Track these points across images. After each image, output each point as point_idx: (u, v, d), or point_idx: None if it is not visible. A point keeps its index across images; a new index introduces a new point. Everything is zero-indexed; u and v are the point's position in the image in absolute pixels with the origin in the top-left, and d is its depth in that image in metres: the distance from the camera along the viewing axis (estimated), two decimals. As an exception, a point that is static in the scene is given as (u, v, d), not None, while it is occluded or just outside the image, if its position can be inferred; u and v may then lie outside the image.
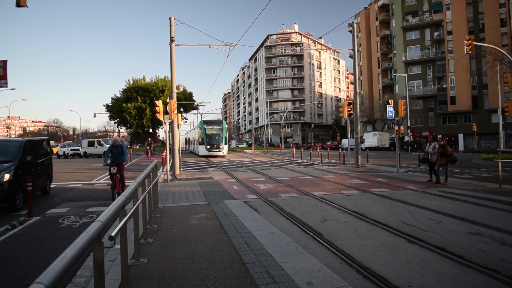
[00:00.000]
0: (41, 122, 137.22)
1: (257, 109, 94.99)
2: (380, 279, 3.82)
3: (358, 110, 19.10)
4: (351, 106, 17.02)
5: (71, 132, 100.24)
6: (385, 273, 3.99)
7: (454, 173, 15.33)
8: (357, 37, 22.35)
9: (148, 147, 31.30)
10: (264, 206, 8.16)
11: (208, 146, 28.84)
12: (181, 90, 56.68)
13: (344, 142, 45.78)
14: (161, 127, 60.49)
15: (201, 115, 48.61)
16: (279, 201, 8.63)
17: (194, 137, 37.01)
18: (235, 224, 6.35)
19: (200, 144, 30.35)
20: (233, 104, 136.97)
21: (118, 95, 64.06)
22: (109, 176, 9.94)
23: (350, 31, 35.78)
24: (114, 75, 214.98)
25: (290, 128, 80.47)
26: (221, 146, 29.13)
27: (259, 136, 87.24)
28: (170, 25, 15.77)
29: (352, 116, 17.22)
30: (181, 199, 9.40)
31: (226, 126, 30.98)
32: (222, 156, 29.31)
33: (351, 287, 3.60)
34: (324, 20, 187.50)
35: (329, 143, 59.14)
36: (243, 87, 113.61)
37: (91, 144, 36.49)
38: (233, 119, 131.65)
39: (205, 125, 29.98)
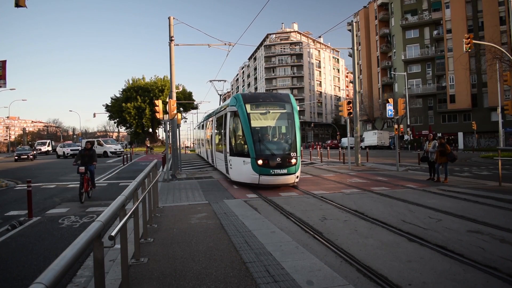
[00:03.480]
0: (40, 122, 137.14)
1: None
2: (381, 277, 3.82)
3: (358, 109, 19.09)
4: (351, 105, 17.03)
5: (70, 132, 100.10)
6: (385, 271, 4.00)
7: (454, 172, 15.32)
8: (356, 36, 22.34)
9: (80, 171, 9.83)
10: (264, 205, 8.17)
11: (260, 161, 10.33)
12: (181, 89, 56.72)
13: (344, 141, 45.81)
14: (161, 126, 60.37)
15: (220, 95, 23.75)
16: (279, 200, 8.64)
17: (215, 135, 16.06)
18: (235, 224, 6.35)
19: (233, 153, 11.51)
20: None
21: (118, 95, 64.14)
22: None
23: (349, 30, 35.78)
24: (113, 75, 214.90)
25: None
26: (292, 160, 10.55)
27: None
28: (170, 25, 15.76)
29: (351, 115, 17.23)
30: (181, 198, 9.40)
31: (298, 107, 12.23)
32: (293, 186, 11.05)
33: (352, 286, 3.59)
34: (323, 19, 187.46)
35: (329, 142, 59.17)
36: (243, 86, 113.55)
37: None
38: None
39: (246, 106, 11.14)
